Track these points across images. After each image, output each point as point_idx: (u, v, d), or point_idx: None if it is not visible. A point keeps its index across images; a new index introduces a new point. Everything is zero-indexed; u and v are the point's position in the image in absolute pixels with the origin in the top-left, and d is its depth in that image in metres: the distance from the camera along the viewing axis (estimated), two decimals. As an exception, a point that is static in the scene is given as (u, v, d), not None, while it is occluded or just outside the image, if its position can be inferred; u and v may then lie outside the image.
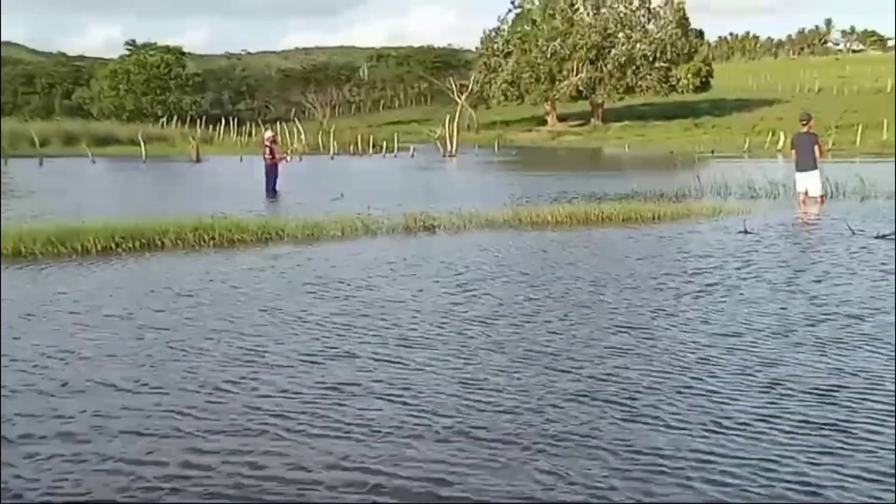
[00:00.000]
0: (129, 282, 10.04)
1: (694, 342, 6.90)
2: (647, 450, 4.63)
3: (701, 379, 5.90)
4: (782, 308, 8.10)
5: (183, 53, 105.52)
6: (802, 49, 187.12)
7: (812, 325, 7.41)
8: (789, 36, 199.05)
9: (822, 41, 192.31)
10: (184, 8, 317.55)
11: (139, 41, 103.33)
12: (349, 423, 5.08)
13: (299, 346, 6.93)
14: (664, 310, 8.12)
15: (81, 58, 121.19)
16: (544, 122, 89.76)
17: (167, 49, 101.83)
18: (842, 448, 4.66)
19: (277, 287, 9.45)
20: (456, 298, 8.75)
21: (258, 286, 9.52)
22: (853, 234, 13.08)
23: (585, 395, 5.54)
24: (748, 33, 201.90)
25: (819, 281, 9.51)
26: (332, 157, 51.66)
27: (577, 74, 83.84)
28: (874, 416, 5.14)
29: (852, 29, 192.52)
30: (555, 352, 6.64)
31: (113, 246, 12.27)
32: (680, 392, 5.61)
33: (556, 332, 7.30)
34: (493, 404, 5.39)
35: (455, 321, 7.73)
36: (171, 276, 10.33)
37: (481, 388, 5.72)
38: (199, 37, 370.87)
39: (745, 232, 13.49)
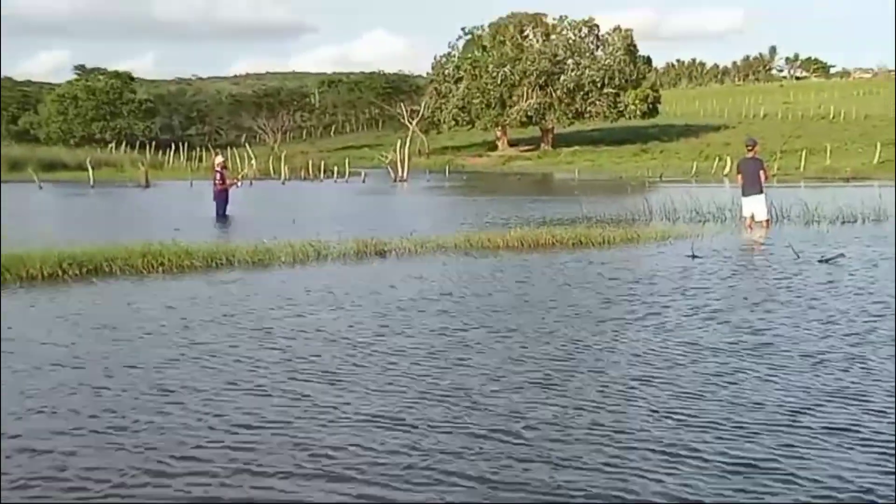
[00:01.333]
0: (61, 311, 9.79)
1: (609, 375, 6.79)
2: (546, 490, 4.55)
3: (608, 413, 5.79)
4: (707, 334, 8.11)
5: (132, 78, 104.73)
6: (748, 76, 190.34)
7: (731, 355, 7.37)
8: (735, 63, 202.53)
9: (767, 68, 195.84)
10: (132, 32, 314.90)
11: (87, 66, 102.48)
12: (241, 468, 4.91)
13: (209, 381, 6.69)
14: (589, 339, 8.02)
15: (28, 82, 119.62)
16: (495, 147, 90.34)
17: (116, 74, 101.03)
18: (753, 485, 4.60)
19: (207, 317, 9.25)
20: (385, 328, 8.61)
21: (186, 317, 9.24)
22: (798, 257, 13.26)
23: (493, 432, 5.41)
24: (694, 60, 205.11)
25: (753, 307, 9.52)
26: (284, 183, 51.51)
27: (527, 100, 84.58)
28: (777, 450, 5.10)
29: (796, 56, 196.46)
30: (467, 386, 6.48)
31: (59, 273, 12.08)
32: (585, 428, 5.50)
33: (472, 364, 7.13)
34: (392, 444, 5.22)
35: (377, 352, 7.57)
36: (102, 306, 10.16)
37: (385, 426, 5.56)
38: (148, 61, 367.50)
39: (693, 256, 13.62)
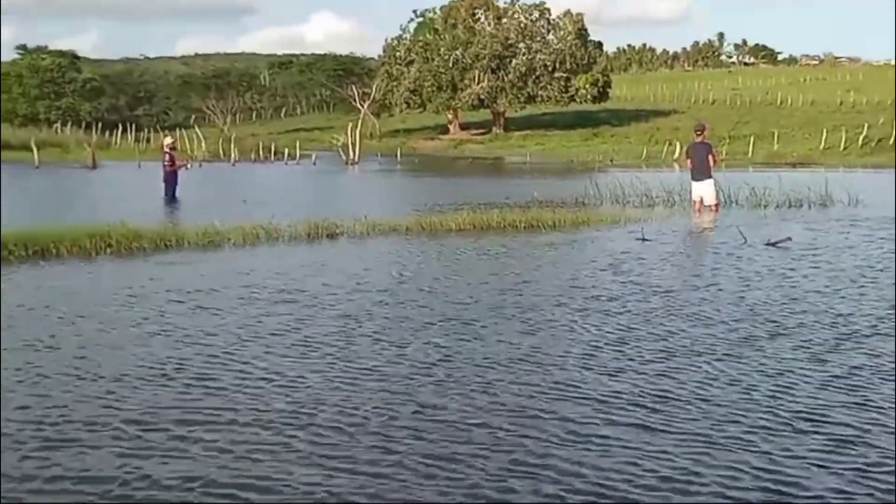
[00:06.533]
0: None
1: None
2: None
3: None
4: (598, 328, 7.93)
5: (77, 57, 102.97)
6: (697, 61, 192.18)
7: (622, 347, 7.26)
8: (684, 48, 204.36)
9: (716, 54, 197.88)
10: (74, 11, 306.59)
11: (29, 45, 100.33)
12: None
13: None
14: (488, 333, 7.57)
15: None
16: (446, 131, 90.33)
17: (60, 53, 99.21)
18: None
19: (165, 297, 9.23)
20: (292, 319, 8.11)
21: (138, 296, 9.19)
22: (745, 241, 13.40)
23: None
24: (645, 45, 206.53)
25: (695, 288, 9.62)
26: (234, 164, 51.09)
27: (478, 83, 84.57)
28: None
29: (744, 43, 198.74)
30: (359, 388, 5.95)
31: (5, 254, 11.86)
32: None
33: (366, 366, 6.49)
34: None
35: (276, 346, 7.11)
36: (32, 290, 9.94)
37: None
38: (91, 41, 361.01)
39: (644, 239, 13.70)
